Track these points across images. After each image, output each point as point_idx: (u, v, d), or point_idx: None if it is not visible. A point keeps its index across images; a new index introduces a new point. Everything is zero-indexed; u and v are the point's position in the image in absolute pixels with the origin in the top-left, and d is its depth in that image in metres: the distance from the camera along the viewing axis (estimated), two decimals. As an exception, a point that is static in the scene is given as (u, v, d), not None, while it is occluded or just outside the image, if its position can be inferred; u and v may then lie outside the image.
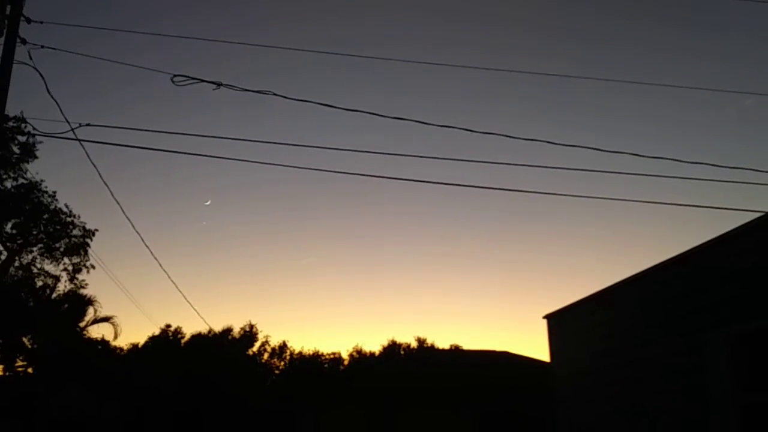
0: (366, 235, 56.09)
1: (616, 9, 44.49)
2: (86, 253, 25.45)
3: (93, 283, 27.05)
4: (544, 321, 19.17)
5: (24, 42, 10.96)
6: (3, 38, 10.66)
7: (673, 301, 12.47)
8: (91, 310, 28.41)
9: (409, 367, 35.33)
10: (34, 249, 25.10)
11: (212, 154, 12.41)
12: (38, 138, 22.01)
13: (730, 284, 10.64)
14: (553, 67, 45.62)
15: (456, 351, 38.45)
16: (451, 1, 44.44)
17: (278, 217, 55.23)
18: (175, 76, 11.22)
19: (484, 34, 47.73)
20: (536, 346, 62.21)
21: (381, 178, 12.94)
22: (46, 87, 11.46)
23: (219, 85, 11.42)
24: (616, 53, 46.07)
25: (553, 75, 19.98)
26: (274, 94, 11.63)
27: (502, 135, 12.04)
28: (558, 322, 18.65)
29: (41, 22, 11.27)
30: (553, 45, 46.74)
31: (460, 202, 57.16)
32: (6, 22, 10.71)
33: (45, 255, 25.23)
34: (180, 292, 26.44)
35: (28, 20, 11.03)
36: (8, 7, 10.79)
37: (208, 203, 51.10)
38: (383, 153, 12.44)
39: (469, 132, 12.07)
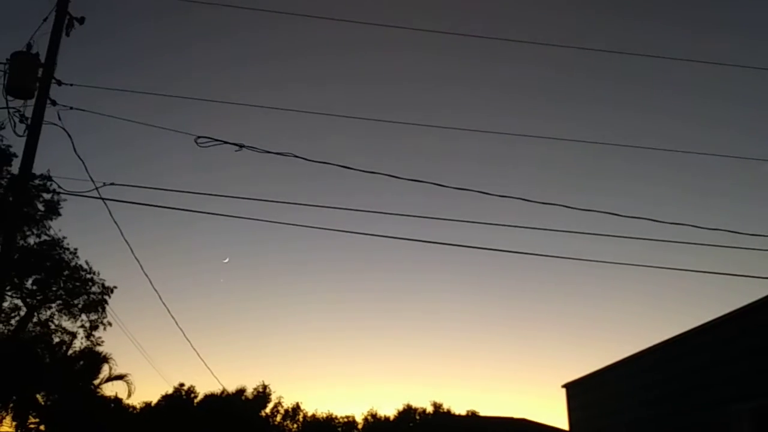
0: (383, 297, 55.85)
1: (637, 75, 45.02)
2: (104, 310, 25.58)
3: (108, 339, 27.00)
4: (564, 389, 18.82)
5: (54, 103, 11.28)
6: (34, 100, 10.98)
7: (697, 372, 12.21)
8: (105, 368, 28.27)
9: (425, 433, 34.61)
10: (53, 305, 25.26)
11: (232, 214, 12.56)
12: (62, 196, 22.41)
13: (756, 357, 10.42)
14: (572, 132, 45.99)
15: (473, 417, 37.63)
16: (467, 69, 45.29)
17: (296, 277, 55.29)
18: (198, 137, 11.45)
19: (501, 98, 48.47)
20: (555, 413, 60.70)
21: (399, 240, 12.96)
22: (74, 147, 11.72)
23: (241, 146, 11.62)
24: (634, 119, 46.42)
25: (571, 140, 20.09)
26: (295, 156, 11.82)
27: (520, 198, 12.07)
28: (577, 391, 18.28)
29: (71, 85, 11.62)
30: (574, 110, 47.27)
31: (479, 266, 56.92)
32: (37, 84, 11.05)
33: (63, 311, 25.37)
34: (195, 350, 26.34)
35: (59, 83, 11.37)
36: (40, 71, 11.15)
37: (226, 261, 51.37)
38: (401, 214, 12.51)
39: (486, 195, 12.12)
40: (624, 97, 48.06)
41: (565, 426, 23.23)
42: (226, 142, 11.55)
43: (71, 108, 11.55)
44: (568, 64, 43.44)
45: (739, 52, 38.16)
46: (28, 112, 10.95)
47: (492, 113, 45.00)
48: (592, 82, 46.65)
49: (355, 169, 11.96)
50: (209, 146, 11.45)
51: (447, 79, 47.08)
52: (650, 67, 43.77)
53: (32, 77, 11.02)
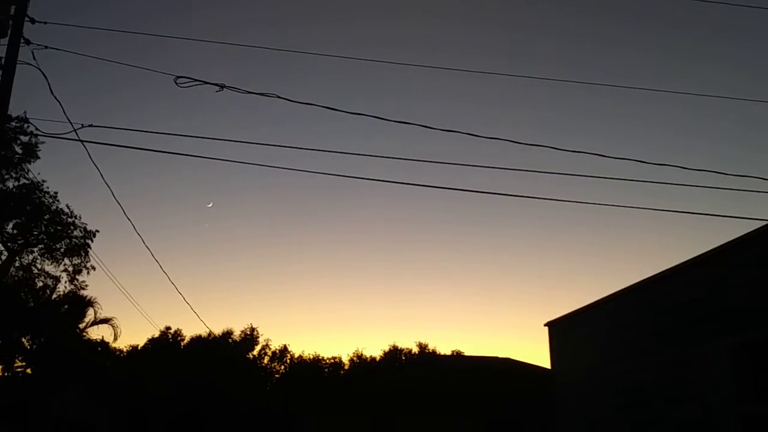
0: (367, 240, 56.09)
1: (623, 15, 44.47)
2: (87, 254, 25.46)
3: (93, 285, 27.02)
4: (546, 328, 19.06)
5: (28, 42, 10.91)
6: (7, 39, 10.61)
7: (677, 310, 12.39)
8: (91, 312, 28.41)
9: (410, 373, 35.21)
10: (35, 249, 25.09)
11: (214, 156, 12.37)
12: (40, 138, 21.98)
13: (734, 294, 10.56)
14: (560, 72, 45.63)
15: (457, 357, 38.26)
16: (461, 6, 44.46)
17: (280, 220, 55.30)
18: (178, 77, 11.15)
19: (492, 38, 47.76)
20: (539, 353, 62.01)
21: (383, 182, 12.87)
22: (50, 87, 11.41)
23: (222, 87, 11.34)
24: (621, 59, 46.07)
25: (558, 80, 19.91)
26: (278, 97, 11.55)
27: (507, 140, 11.97)
28: (559, 330, 18.53)
29: (45, 23, 11.21)
30: (560, 51, 46.75)
31: (463, 207, 57.15)
32: (10, 22, 10.66)
33: (45, 256, 25.22)
34: (180, 294, 26.41)
35: (32, 21, 10.97)
36: (12, 8, 10.73)
37: (210, 205, 51.23)
38: (386, 157, 12.38)
39: (474, 137, 12.00)
40: (612, 35, 47.55)
41: (549, 365, 23.70)
42: (206, 83, 11.27)
43: (46, 47, 11.18)
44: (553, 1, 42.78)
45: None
46: (1, 52, 10.61)
47: (475, 52, 44.42)
48: (579, 20, 46.08)
49: (339, 110, 11.75)
50: (189, 86, 11.17)
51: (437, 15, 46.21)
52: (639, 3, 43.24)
53: (5, 14, 10.62)
